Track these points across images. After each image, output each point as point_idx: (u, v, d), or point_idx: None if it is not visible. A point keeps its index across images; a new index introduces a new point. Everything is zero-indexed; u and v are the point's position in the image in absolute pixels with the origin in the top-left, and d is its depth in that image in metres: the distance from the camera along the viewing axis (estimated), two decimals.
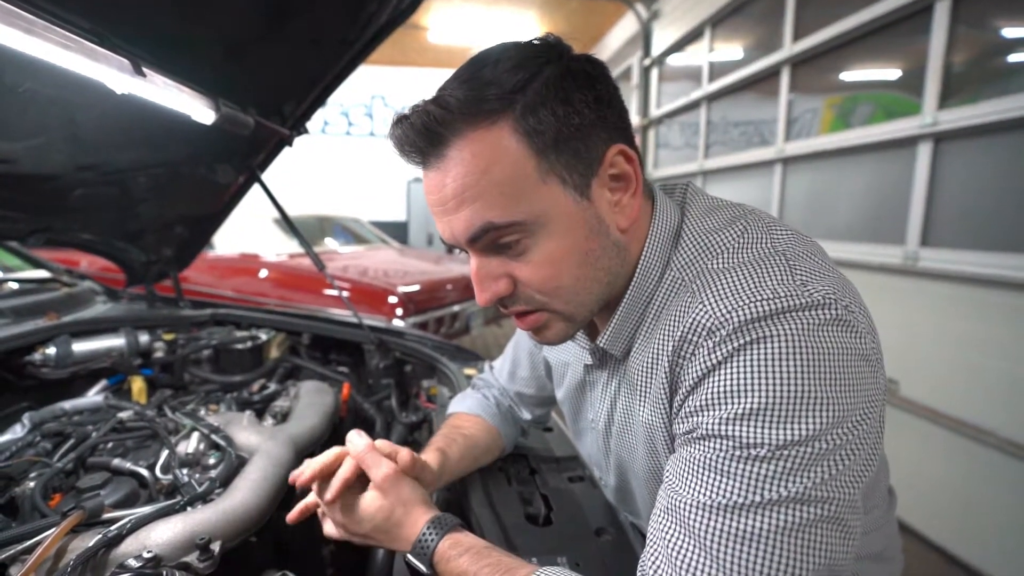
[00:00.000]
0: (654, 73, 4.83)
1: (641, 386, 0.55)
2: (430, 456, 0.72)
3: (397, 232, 7.33)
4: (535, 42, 0.50)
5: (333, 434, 1.14)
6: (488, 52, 0.50)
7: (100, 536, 0.62)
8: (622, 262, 0.53)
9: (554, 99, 0.47)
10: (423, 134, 0.47)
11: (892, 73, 2.28)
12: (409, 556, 0.55)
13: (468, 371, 1.22)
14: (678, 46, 4.33)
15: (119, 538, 0.63)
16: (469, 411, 0.85)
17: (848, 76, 2.54)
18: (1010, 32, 1.82)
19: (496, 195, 0.47)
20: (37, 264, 1.67)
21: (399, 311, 2.65)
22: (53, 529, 0.62)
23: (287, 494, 0.82)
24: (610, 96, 0.50)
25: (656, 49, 4.71)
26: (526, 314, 0.54)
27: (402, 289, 2.76)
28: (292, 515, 0.68)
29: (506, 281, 0.52)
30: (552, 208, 0.48)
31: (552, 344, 0.58)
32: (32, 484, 0.74)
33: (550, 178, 0.48)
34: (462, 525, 0.59)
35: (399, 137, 0.49)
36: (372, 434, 1.26)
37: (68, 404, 1.03)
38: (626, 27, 5.40)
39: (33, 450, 0.86)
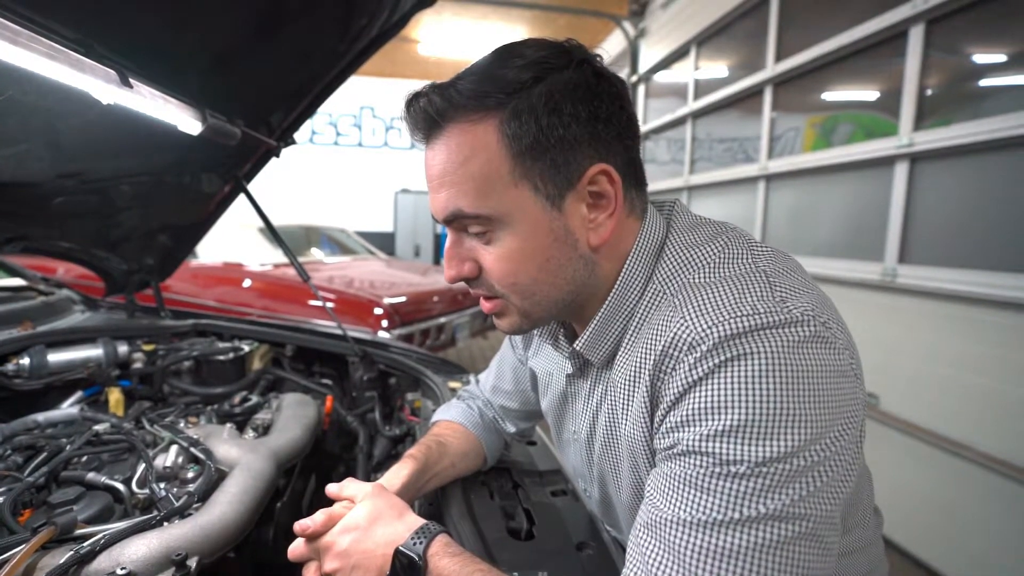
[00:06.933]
0: (641, 89, 4.92)
1: (624, 399, 0.55)
2: (404, 465, 0.72)
3: (384, 243, 7.29)
4: (557, 45, 0.51)
5: (315, 447, 1.13)
6: (513, 46, 0.52)
7: (72, 553, 0.60)
8: (590, 275, 0.55)
9: (543, 108, 0.48)
10: (424, 118, 0.52)
11: (871, 94, 2.35)
12: (401, 547, 0.54)
13: (453, 384, 1.22)
14: (665, 64, 4.41)
15: (91, 555, 0.62)
16: (452, 420, 0.85)
17: (829, 96, 2.61)
18: (980, 58, 1.90)
19: (469, 186, 0.51)
20: (12, 272, 1.63)
21: (385, 322, 2.63)
22: (22, 546, 0.60)
23: (267, 509, 0.81)
24: (610, 115, 0.51)
25: (643, 66, 4.80)
26: (488, 298, 0.58)
27: (388, 300, 2.75)
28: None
29: (471, 264, 0.55)
30: (518, 211, 0.51)
31: (507, 332, 0.61)
32: (1, 499, 0.72)
33: (522, 182, 0.50)
34: (448, 533, 0.59)
35: (409, 117, 0.53)
36: (355, 447, 1.26)
37: (41, 416, 1.01)
38: (614, 44, 5.49)
39: (3, 464, 0.83)
